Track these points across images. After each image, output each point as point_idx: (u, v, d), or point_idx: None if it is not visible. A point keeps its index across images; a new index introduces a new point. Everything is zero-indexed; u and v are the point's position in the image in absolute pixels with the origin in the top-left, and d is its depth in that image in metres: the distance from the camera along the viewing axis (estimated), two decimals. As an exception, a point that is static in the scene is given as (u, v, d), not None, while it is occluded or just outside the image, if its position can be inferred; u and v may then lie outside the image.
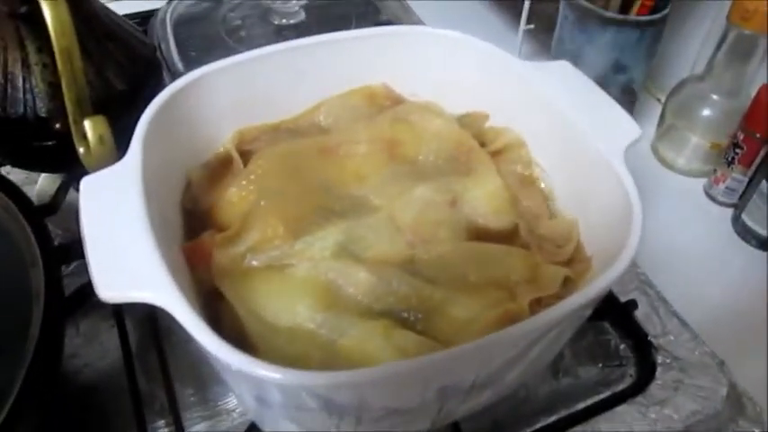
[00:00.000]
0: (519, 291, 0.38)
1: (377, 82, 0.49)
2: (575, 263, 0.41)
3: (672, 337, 0.47)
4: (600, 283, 0.33)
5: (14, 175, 0.53)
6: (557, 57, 0.56)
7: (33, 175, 0.56)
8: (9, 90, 0.46)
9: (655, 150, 0.62)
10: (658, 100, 0.65)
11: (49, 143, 0.46)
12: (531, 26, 0.64)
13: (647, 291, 0.50)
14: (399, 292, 0.38)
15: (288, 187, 0.42)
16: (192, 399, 0.44)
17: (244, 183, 0.42)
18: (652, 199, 0.60)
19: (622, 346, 0.47)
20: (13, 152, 0.49)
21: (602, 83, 0.53)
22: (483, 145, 0.47)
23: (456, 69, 0.48)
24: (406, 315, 0.37)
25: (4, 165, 0.51)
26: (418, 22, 0.74)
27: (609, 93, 0.53)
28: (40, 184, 0.56)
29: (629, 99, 0.56)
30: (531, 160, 0.46)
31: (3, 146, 0.49)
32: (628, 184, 0.37)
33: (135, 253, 0.32)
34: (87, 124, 0.39)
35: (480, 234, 0.43)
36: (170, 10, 0.63)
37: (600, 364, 0.47)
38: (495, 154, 0.47)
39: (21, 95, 0.46)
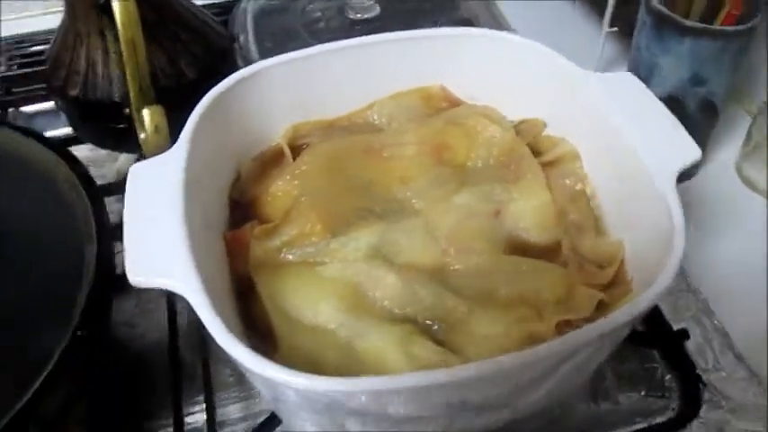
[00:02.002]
0: (548, 310, 0.37)
1: (434, 83, 0.49)
2: (615, 286, 0.39)
3: (724, 374, 0.43)
4: (626, 312, 0.31)
5: (96, 151, 0.57)
6: (633, 64, 0.53)
7: (115, 153, 0.60)
8: (90, 75, 0.50)
9: (739, 170, 0.57)
10: (748, 112, 0.61)
11: (122, 126, 0.49)
12: (615, 29, 0.61)
13: (704, 320, 0.46)
14: (424, 300, 0.38)
15: (330, 185, 0.43)
16: (230, 379, 0.46)
17: (288, 178, 0.43)
18: (732, 222, 0.56)
19: (668, 377, 0.44)
20: (93, 132, 0.53)
21: (679, 96, 0.50)
22: (538, 154, 0.46)
23: (516, 74, 0.46)
24: (429, 323, 0.37)
25: (84, 142, 0.55)
26: (499, 19, 0.72)
27: (686, 107, 0.51)
28: (119, 162, 0.59)
29: (708, 115, 0.52)
30: (584, 175, 0.44)
31: (84, 126, 0.53)
32: (674, 210, 0.35)
33: (165, 242, 0.33)
34: (145, 113, 0.41)
35: (521, 247, 0.42)
36: (252, 1, 0.65)
37: (642, 392, 0.44)
38: (548, 165, 0.45)
39: (99, 81, 0.49)
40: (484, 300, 0.38)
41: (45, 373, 0.35)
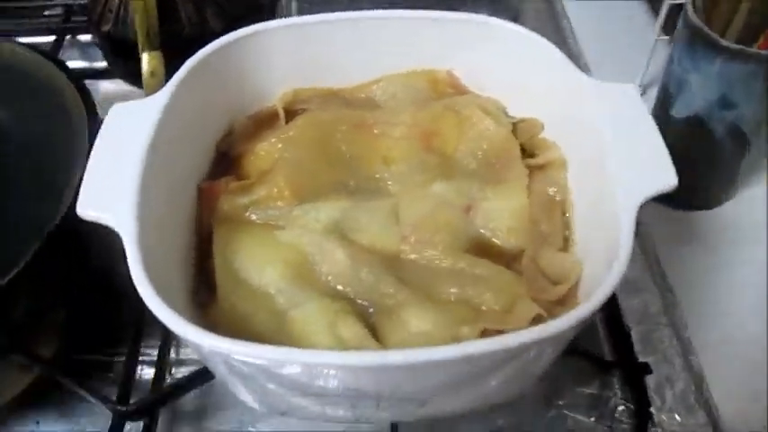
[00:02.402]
0: (482, 317, 0.36)
1: (444, 67, 0.48)
2: (563, 305, 0.37)
3: (678, 418, 0.41)
4: (535, 331, 0.30)
5: (127, 87, 0.60)
6: (666, 77, 0.50)
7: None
8: (121, 13, 0.52)
9: (772, 205, 0.53)
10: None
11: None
12: (666, 37, 0.57)
13: (675, 359, 0.44)
14: (365, 281, 0.38)
15: (312, 154, 0.44)
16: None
17: (274, 140, 0.44)
18: (750, 257, 0.52)
19: (621, 408, 0.42)
20: (122, 68, 0.56)
21: (705, 117, 0.47)
22: (530, 156, 0.45)
23: (527, 72, 0.45)
24: (364, 305, 0.38)
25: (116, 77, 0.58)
26: (558, 16, 0.69)
27: (713, 131, 0.47)
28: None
29: (738, 143, 0.48)
30: (566, 186, 0.42)
31: (115, 61, 0.56)
32: (624, 235, 0.33)
33: (118, 180, 0.35)
34: (144, 57, 0.43)
35: (484, 248, 0.41)
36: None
37: (592, 418, 0.43)
38: (536, 169, 0.43)
39: (129, 19, 0.51)
40: (426, 294, 0.38)
41: (18, 268, 0.37)
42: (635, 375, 0.43)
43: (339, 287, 0.38)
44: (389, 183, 0.43)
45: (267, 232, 0.40)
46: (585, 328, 0.46)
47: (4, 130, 0.46)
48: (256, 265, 0.39)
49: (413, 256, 0.40)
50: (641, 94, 0.60)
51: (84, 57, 0.68)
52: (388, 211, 0.41)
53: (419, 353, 0.29)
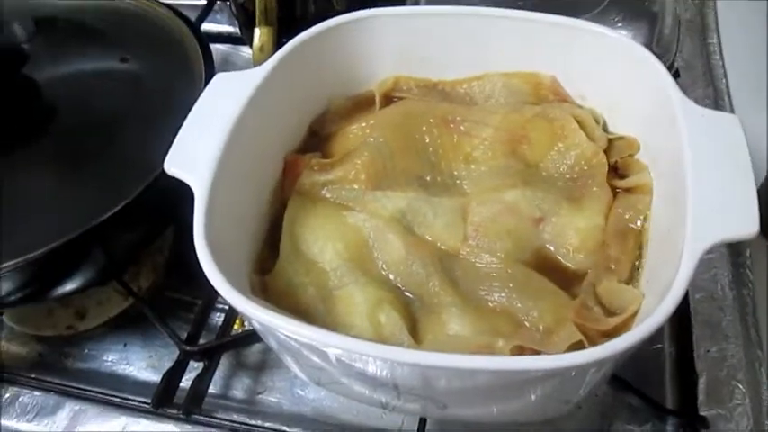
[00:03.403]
0: (520, 333, 0.35)
1: (549, 72, 0.46)
2: (612, 337, 0.35)
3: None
4: (566, 360, 0.30)
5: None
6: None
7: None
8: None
9: None
10: None
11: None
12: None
13: (744, 420, 0.40)
14: (415, 275, 0.39)
15: (395, 142, 0.44)
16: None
17: (363, 125, 0.46)
18: None
19: (669, 457, 0.40)
20: (249, 36, 0.59)
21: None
22: (622, 177, 0.42)
23: (632, 88, 0.42)
24: (411, 297, 0.38)
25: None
26: (709, 25, 0.64)
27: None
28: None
29: None
30: (648, 214, 0.39)
31: (247, 31, 0.60)
32: (681, 276, 0.31)
33: (206, 144, 0.38)
34: (256, 32, 0.45)
35: (546, 263, 0.40)
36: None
37: (637, 460, 0.41)
38: (622, 191, 0.41)
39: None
40: (473, 298, 0.38)
41: (122, 204, 0.43)
42: (690, 427, 0.40)
43: (391, 276, 0.39)
44: (465, 182, 0.43)
45: (337, 212, 0.42)
46: (651, 366, 0.45)
47: (139, 79, 0.52)
48: (318, 241, 0.40)
49: (470, 259, 0.40)
50: (776, 130, 0.56)
51: (232, 23, 0.73)
52: (456, 209, 0.41)
53: (428, 356, 0.29)
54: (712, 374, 0.42)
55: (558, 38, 0.45)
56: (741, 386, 0.41)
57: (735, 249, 0.48)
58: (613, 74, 0.43)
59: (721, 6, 0.66)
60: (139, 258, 0.53)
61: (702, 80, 0.59)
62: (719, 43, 0.62)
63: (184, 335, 0.46)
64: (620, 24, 0.57)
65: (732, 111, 0.57)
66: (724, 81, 0.59)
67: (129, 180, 0.45)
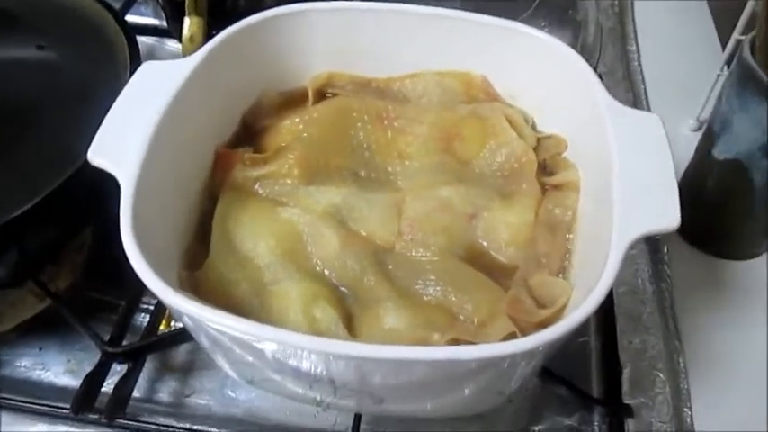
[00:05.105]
0: (455, 327, 0.36)
1: (480, 72, 0.47)
2: (544, 328, 0.36)
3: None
4: (499, 349, 0.30)
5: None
6: (713, 114, 0.47)
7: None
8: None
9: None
10: None
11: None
12: (743, 37, 0.53)
13: (664, 408, 0.42)
14: (350, 269, 0.38)
15: (329, 137, 0.44)
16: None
17: (297, 120, 0.45)
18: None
19: (595, 444, 0.41)
20: (176, 27, 0.57)
21: (745, 163, 0.45)
22: (549, 174, 0.44)
23: (559, 87, 0.44)
24: (345, 292, 0.38)
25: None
26: (627, 30, 0.67)
27: (752, 178, 0.45)
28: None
29: (778, 195, 0.45)
30: (575, 209, 0.41)
31: (173, 23, 0.58)
32: (608, 270, 0.32)
33: (130, 134, 0.36)
34: (186, 21, 0.44)
35: (479, 258, 0.40)
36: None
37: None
38: (551, 188, 0.43)
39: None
40: (408, 292, 0.38)
41: (37, 200, 0.40)
42: (616, 416, 0.41)
43: (325, 271, 0.39)
44: (400, 178, 0.44)
45: (270, 207, 0.41)
46: (578, 358, 0.46)
47: (56, 67, 0.49)
48: (251, 236, 0.39)
49: (406, 253, 0.40)
50: (695, 130, 0.59)
51: (157, 15, 0.71)
52: (390, 205, 0.41)
53: (363, 348, 0.29)
54: (635, 365, 0.44)
55: (489, 38, 0.45)
56: (662, 375, 0.43)
57: (653, 246, 0.50)
58: (542, 74, 0.44)
59: (639, 15, 0.69)
60: (58, 257, 0.50)
61: (623, 85, 0.62)
62: (638, 50, 0.65)
63: (107, 336, 0.44)
64: (546, 30, 0.58)
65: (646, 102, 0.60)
66: (642, 86, 0.62)
67: (46, 173, 0.42)
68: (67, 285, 0.49)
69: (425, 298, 0.38)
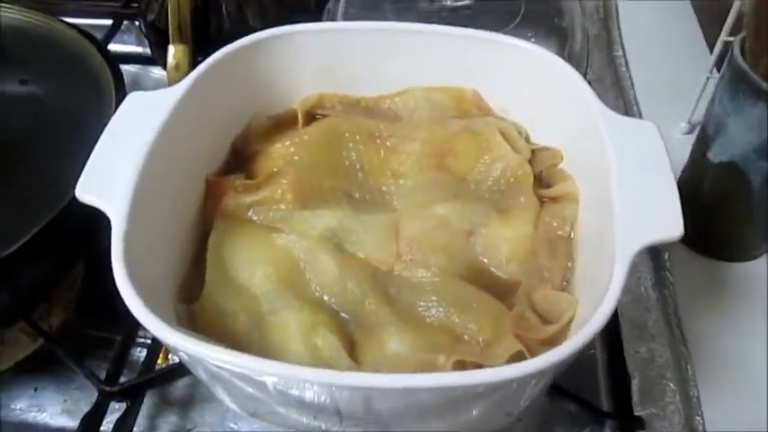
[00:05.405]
0: (460, 348, 0.35)
1: (471, 86, 0.47)
2: (551, 345, 0.35)
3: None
4: (508, 372, 0.29)
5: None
6: (706, 117, 0.47)
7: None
8: (166, 4, 0.53)
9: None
10: None
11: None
12: (731, 38, 0.52)
13: (676, 417, 0.41)
14: (350, 294, 0.37)
15: (321, 160, 0.43)
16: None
17: (287, 143, 0.44)
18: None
19: (608, 458, 0.40)
20: (161, 55, 0.57)
21: (741, 165, 0.44)
22: (546, 186, 0.43)
23: (551, 98, 0.43)
24: (346, 318, 0.37)
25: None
26: (613, 37, 0.67)
27: (750, 181, 0.45)
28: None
29: (777, 195, 0.45)
30: (576, 222, 0.40)
31: (157, 50, 0.57)
32: (615, 281, 0.31)
33: (119, 168, 0.36)
34: (170, 49, 0.44)
35: (480, 275, 0.40)
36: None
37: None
38: (548, 200, 0.42)
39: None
40: (410, 315, 0.37)
41: (27, 238, 0.40)
42: (628, 429, 0.40)
43: (325, 297, 0.38)
44: (395, 198, 0.43)
45: (264, 234, 0.40)
46: (585, 371, 0.45)
47: (41, 101, 0.49)
48: (247, 265, 0.39)
49: (405, 275, 0.39)
50: (687, 133, 0.59)
51: (141, 43, 0.70)
52: (387, 225, 0.41)
53: (368, 378, 0.29)
54: (644, 375, 0.43)
55: (476, 52, 0.45)
56: (671, 384, 0.43)
57: (654, 252, 0.50)
58: (533, 86, 0.44)
59: (624, 19, 0.69)
60: (50, 294, 0.49)
61: (612, 91, 0.62)
62: (625, 55, 0.65)
63: (103, 374, 0.43)
64: (533, 40, 0.58)
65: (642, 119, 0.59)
66: (632, 92, 0.62)
67: (35, 209, 0.41)
68: (61, 322, 0.48)
69: (428, 320, 0.37)
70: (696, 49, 0.66)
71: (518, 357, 0.34)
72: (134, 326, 0.47)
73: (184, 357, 0.34)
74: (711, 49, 0.57)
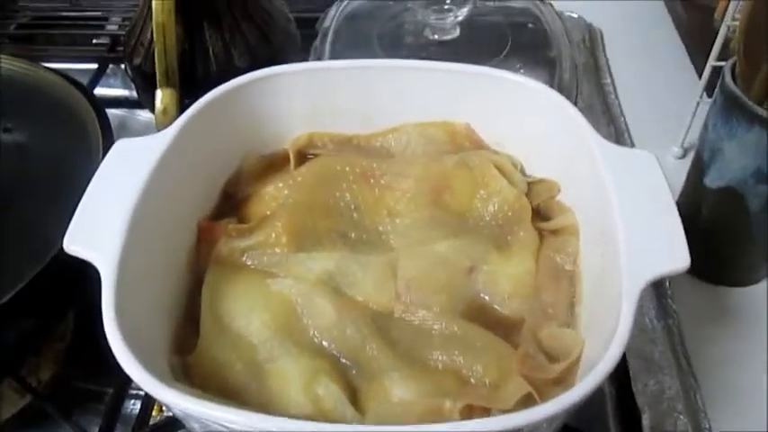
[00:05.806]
0: (467, 391, 0.34)
1: (463, 120, 0.46)
2: (559, 384, 0.35)
3: None
4: (520, 418, 0.28)
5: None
6: (700, 143, 0.47)
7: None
8: (152, 48, 0.53)
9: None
10: None
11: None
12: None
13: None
14: (350, 339, 0.36)
15: (314, 201, 0.43)
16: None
17: (280, 185, 0.44)
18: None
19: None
20: (150, 101, 0.56)
21: (739, 190, 0.44)
22: (545, 219, 0.42)
23: (545, 130, 0.43)
24: (348, 365, 0.36)
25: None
26: (601, 68, 0.67)
27: (748, 204, 0.44)
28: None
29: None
30: (578, 255, 0.39)
31: (144, 93, 0.57)
32: (623, 317, 0.30)
33: (109, 219, 0.35)
34: (158, 94, 0.43)
35: (482, 313, 0.39)
36: (345, 3, 0.65)
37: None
38: (548, 234, 0.41)
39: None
40: (413, 359, 0.36)
41: (14, 292, 0.39)
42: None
43: (324, 343, 0.37)
44: (392, 237, 0.42)
45: (260, 279, 0.39)
46: (595, 406, 0.44)
47: (26, 149, 0.48)
48: (242, 313, 0.37)
49: (405, 316, 0.38)
50: (680, 158, 0.59)
51: (127, 86, 0.70)
52: (384, 266, 0.40)
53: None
54: (654, 409, 0.42)
55: (468, 86, 0.45)
56: (683, 417, 0.41)
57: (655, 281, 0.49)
58: (526, 119, 0.44)
59: (609, 47, 0.70)
60: (38, 347, 0.47)
61: (603, 119, 0.62)
62: (613, 83, 0.66)
63: (95, 429, 0.41)
64: (522, 71, 0.58)
65: (633, 147, 0.59)
66: (622, 119, 0.62)
67: (22, 261, 0.40)
68: (50, 376, 0.47)
69: (432, 363, 0.36)
70: (683, 74, 0.66)
71: (527, 399, 0.33)
72: (126, 378, 0.44)
73: (179, 414, 0.32)
74: (699, 73, 0.57)
